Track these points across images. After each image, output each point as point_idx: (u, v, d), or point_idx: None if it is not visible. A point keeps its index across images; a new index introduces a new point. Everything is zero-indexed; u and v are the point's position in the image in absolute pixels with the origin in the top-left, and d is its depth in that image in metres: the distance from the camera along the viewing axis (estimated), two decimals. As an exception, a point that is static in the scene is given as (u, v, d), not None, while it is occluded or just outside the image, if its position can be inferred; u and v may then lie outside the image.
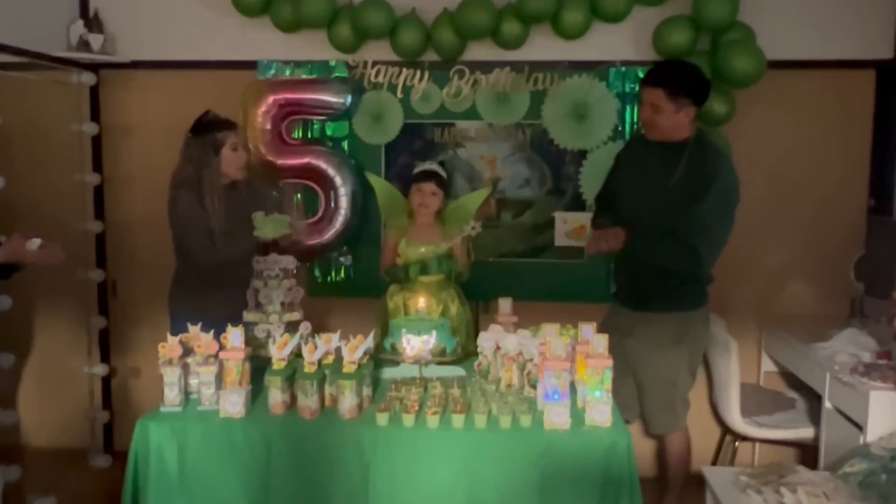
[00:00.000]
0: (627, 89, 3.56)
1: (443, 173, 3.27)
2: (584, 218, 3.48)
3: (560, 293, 3.67)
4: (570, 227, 3.50)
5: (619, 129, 3.58)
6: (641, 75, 3.45)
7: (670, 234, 2.76)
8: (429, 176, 3.21)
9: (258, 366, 2.45)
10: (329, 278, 3.81)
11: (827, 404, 2.89)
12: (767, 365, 3.66)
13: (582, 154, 3.61)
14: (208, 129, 2.88)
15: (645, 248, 2.84)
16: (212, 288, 2.88)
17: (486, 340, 2.56)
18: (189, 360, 2.38)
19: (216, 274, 2.88)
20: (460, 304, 3.24)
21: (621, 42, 3.57)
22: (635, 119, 3.57)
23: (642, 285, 2.95)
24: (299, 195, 3.72)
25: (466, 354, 2.77)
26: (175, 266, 3.00)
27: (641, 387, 3.02)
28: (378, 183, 3.41)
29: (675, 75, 2.79)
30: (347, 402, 2.23)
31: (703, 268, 2.80)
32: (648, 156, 2.91)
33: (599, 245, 2.86)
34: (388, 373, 2.64)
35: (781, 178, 3.61)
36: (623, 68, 3.56)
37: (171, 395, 2.31)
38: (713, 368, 3.35)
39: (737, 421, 3.26)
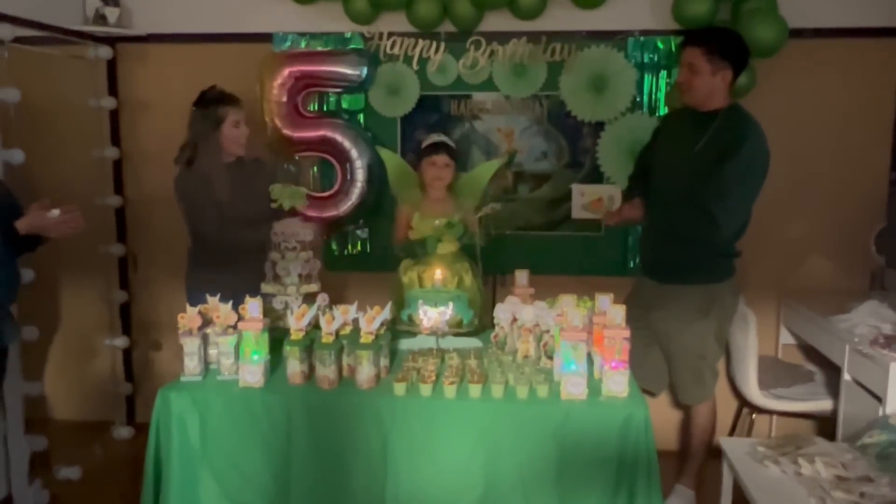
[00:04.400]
0: (646, 59, 3.53)
1: (452, 144, 3.27)
2: (602, 190, 3.42)
3: (577, 266, 3.67)
4: (587, 199, 3.40)
5: (638, 100, 3.55)
6: (661, 45, 3.50)
7: (691, 200, 2.75)
8: (440, 148, 3.20)
9: (277, 337, 2.47)
10: (346, 251, 3.83)
11: (846, 376, 2.88)
12: (786, 338, 3.64)
13: (600, 126, 3.59)
14: (209, 103, 2.90)
15: (663, 215, 2.86)
16: (227, 263, 2.91)
17: (502, 312, 2.57)
18: (208, 330, 2.40)
19: (230, 249, 2.90)
20: (474, 277, 3.24)
21: (640, 11, 3.53)
22: (655, 90, 3.54)
23: (668, 257, 2.95)
24: (315, 168, 3.75)
25: (482, 326, 2.78)
26: (189, 243, 3.04)
27: (669, 358, 3.05)
28: (388, 157, 3.41)
29: (715, 36, 2.80)
30: (365, 373, 2.25)
31: (719, 236, 2.78)
32: (680, 126, 2.92)
33: (617, 216, 2.88)
34: (405, 344, 2.65)
35: (802, 150, 3.57)
36: (642, 38, 3.52)
37: (192, 364, 2.33)
38: (731, 341, 3.33)
39: (754, 393, 3.26)
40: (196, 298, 2.45)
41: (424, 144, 3.27)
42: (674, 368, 3.06)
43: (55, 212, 2.46)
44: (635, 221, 3.04)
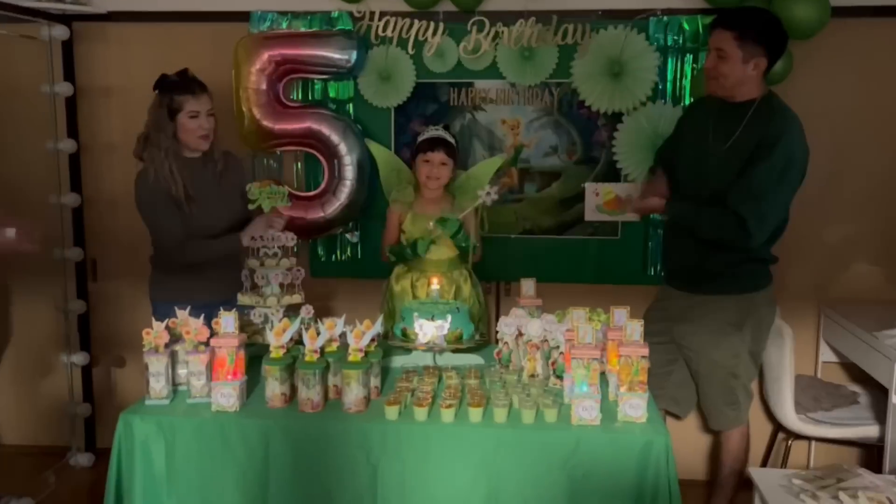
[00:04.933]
0: (670, 42, 3.52)
1: (451, 139, 3.26)
2: (619, 189, 3.48)
3: (590, 274, 3.68)
4: (602, 199, 3.47)
5: (660, 88, 3.54)
6: (686, 26, 3.49)
7: (720, 202, 2.75)
8: (436, 143, 3.20)
9: (254, 354, 2.48)
10: (334, 257, 3.82)
11: (895, 399, 2.88)
12: (826, 354, 3.64)
13: (617, 117, 3.58)
14: (167, 88, 2.90)
15: (688, 216, 2.86)
16: (196, 270, 2.92)
17: (507, 326, 2.57)
18: (177, 347, 2.40)
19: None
20: (473, 286, 3.25)
21: (663, -12, 3.51)
22: (679, 76, 3.54)
23: (695, 264, 2.95)
24: (299, 164, 3.75)
25: (484, 342, 2.79)
26: (151, 248, 3.05)
27: (697, 377, 3.05)
28: (378, 152, 3.41)
29: (748, 19, 2.78)
30: (353, 395, 2.26)
31: (751, 243, 2.78)
32: (707, 118, 2.91)
33: (639, 203, 2.95)
34: (399, 361, 2.66)
35: (844, 143, 3.57)
36: (665, 18, 3.52)
37: (158, 386, 2.33)
38: (764, 358, 3.31)
39: (790, 417, 3.26)
40: (162, 311, 2.46)
41: (420, 139, 3.28)
42: (702, 389, 3.07)
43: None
44: (657, 211, 3.03)
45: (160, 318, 2.41)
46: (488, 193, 3.00)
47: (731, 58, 2.75)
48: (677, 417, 3.36)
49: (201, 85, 2.95)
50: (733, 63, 2.75)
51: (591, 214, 3.52)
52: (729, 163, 2.77)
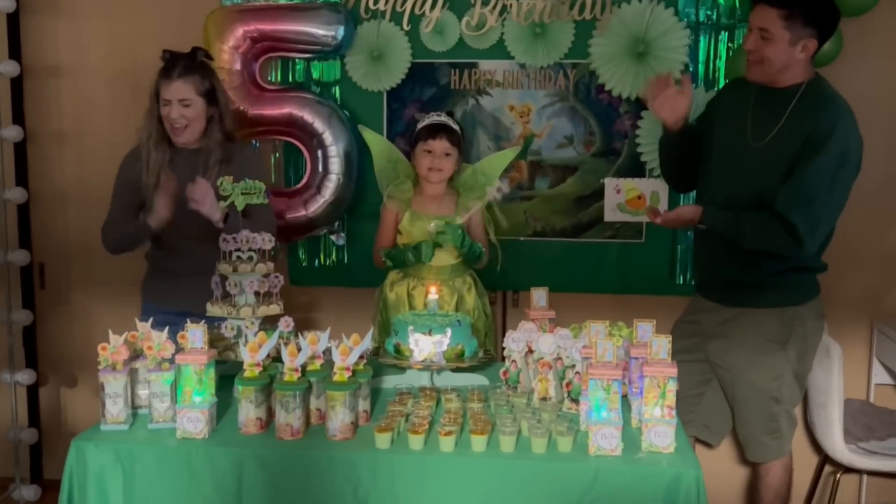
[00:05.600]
0: (702, 18, 3.54)
1: (456, 126, 3.27)
2: (644, 185, 3.48)
3: (610, 282, 3.69)
4: (624, 197, 3.47)
5: (691, 70, 3.55)
6: (721, 0, 3.49)
7: (763, 207, 2.75)
8: (439, 130, 3.21)
9: (226, 373, 2.48)
10: (317, 262, 3.83)
11: (957, 427, 2.89)
12: (880, 376, 3.65)
13: (641, 104, 3.57)
14: (162, 68, 2.97)
15: (728, 225, 2.84)
16: (186, 271, 2.98)
17: (515, 342, 2.57)
18: (138, 364, 2.39)
19: (186, 251, 2.98)
20: (478, 296, 3.25)
21: (695, -45, 3.52)
22: (713, 57, 3.55)
23: (731, 271, 2.95)
24: (277, 155, 3.76)
25: (489, 359, 2.79)
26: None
27: (734, 401, 3.05)
28: (374, 140, 3.41)
29: None
30: (339, 420, 2.25)
31: (802, 253, 2.79)
32: (746, 105, 2.90)
33: (668, 214, 2.90)
34: (391, 382, 2.66)
35: (901, 135, 3.56)
36: (697, -10, 3.52)
37: (115, 409, 2.32)
38: (810, 380, 3.29)
39: (839, 447, 3.26)
40: (147, 312, 2.50)
41: (420, 126, 3.28)
42: (739, 415, 3.07)
43: None
44: (691, 222, 2.98)
45: (145, 321, 2.46)
46: (499, 189, 3.02)
47: (776, 40, 2.73)
48: (709, 446, 3.37)
49: (186, 69, 2.97)
50: (779, 46, 2.74)
51: (611, 214, 3.52)
52: (771, 159, 2.76)
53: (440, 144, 3.20)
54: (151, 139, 2.99)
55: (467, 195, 3.26)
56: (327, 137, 3.56)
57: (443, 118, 3.28)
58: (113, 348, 2.33)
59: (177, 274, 3.06)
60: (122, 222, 3.04)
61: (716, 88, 3.51)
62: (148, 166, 2.98)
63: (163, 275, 3.14)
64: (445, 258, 3.20)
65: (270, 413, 2.32)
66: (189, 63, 2.98)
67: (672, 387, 2.19)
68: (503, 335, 2.68)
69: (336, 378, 2.27)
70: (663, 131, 3.05)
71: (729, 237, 2.84)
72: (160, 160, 2.99)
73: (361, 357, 2.36)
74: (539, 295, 2.84)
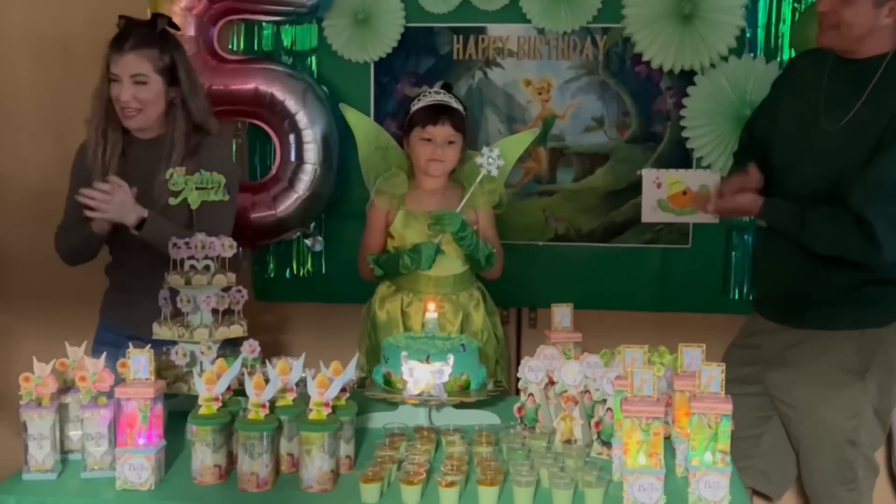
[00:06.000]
0: (762, -27, 3.60)
1: (459, 107, 3.22)
2: (690, 178, 3.37)
3: (649, 298, 3.63)
4: (666, 192, 3.35)
5: (748, 36, 3.49)
6: (784, -50, 3.53)
7: (836, 201, 2.73)
8: (440, 113, 3.14)
9: (176, 409, 2.44)
10: (289, 272, 3.77)
11: None
12: (979, 411, 3.64)
13: (687, 77, 3.52)
14: (113, 38, 2.92)
15: (792, 219, 2.81)
16: (133, 286, 2.92)
17: (532, 371, 2.51)
18: (68, 399, 2.35)
19: (139, 264, 2.91)
20: (487, 314, 3.19)
21: None
22: (776, 21, 3.47)
23: (799, 285, 2.92)
24: (239, 140, 3.69)
25: (500, 392, 2.73)
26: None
27: (801, 444, 3.02)
28: (358, 122, 3.37)
29: None
30: (315, 468, 2.19)
31: (880, 258, 2.73)
32: (818, 81, 2.89)
33: (723, 202, 2.88)
34: (380, 420, 2.60)
35: None
36: (756, -62, 3.59)
37: (40, 454, 2.26)
38: (894, 418, 3.22)
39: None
40: (102, 338, 2.54)
41: (416, 107, 3.21)
42: (807, 461, 3.02)
43: None
44: (748, 213, 2.99)
45: (98, 346, 2.48)
46: (490, 160, 2.95)
47: (856, 1, 2.70)
48: (769, 499, 3.32)
49: (141, 39, 2.88)
50: (860, 7, 2.71)
51: (650, 214, 3.43)
52: (848, 146, 2.75)
53: (442, 131, 3.11)
54: (100, 127, 2.93)
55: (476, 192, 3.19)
56: (301, 119, 3.51)
57: (443, 97, 3.21)
58: (38, 379, 2.27)
59: (130, 290, 3.00)
60: (76, 227, 2.98)
61: (777, 59, 3.48)
62: (97, 160, 2.91)
63: (116, 292, 3.10)
64: (448, 266, 3.12)
65: (231, 459, 2.27)
66: (147, 33, 2.92)
67: (726, 427, 2.13)
68: (518, 363, 2.59)
69: (312, 416, 2.21)
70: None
71: (792, 235, 2.83)
72: (111, 153, 2.93)
73: (344, 390, 2.31)
74: (562, 313, 2.80)
